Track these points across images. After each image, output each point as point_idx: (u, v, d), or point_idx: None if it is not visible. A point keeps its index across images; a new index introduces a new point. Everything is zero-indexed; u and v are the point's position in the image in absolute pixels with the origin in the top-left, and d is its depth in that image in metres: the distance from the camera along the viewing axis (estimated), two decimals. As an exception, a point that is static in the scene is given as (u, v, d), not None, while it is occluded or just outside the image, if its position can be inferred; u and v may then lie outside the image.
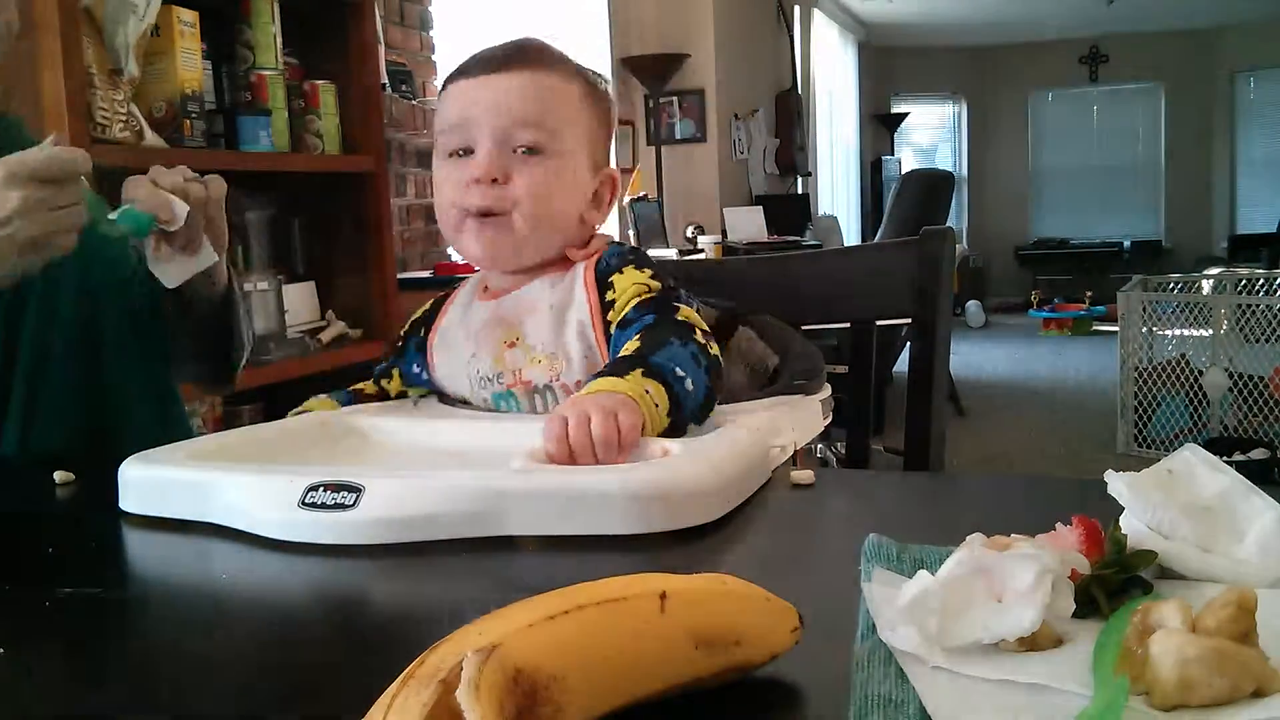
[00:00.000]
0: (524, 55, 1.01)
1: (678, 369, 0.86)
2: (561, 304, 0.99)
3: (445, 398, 1.07)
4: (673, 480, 0.71)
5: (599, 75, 1.06)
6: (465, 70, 1.02)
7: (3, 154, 0.96)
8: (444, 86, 1.04)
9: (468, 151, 0.99)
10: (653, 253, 1.17)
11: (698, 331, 0.92)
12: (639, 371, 0.84)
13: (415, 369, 1.09)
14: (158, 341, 1.23)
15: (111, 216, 1.00)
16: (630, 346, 0.90)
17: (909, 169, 8.45)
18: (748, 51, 6.35)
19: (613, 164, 1.09)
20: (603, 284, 0.99)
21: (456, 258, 3.74)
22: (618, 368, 0.86)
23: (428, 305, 1.12)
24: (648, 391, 0.83)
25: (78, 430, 1.16)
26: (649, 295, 0.96)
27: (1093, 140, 11.08)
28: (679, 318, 0.93)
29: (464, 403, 1.05)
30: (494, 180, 0.97)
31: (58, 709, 0.50)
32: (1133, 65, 10.64)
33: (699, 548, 0.68)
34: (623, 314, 0.96)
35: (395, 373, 1.11)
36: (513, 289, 1.03)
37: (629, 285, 0.97)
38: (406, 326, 1.12)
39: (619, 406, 0.78)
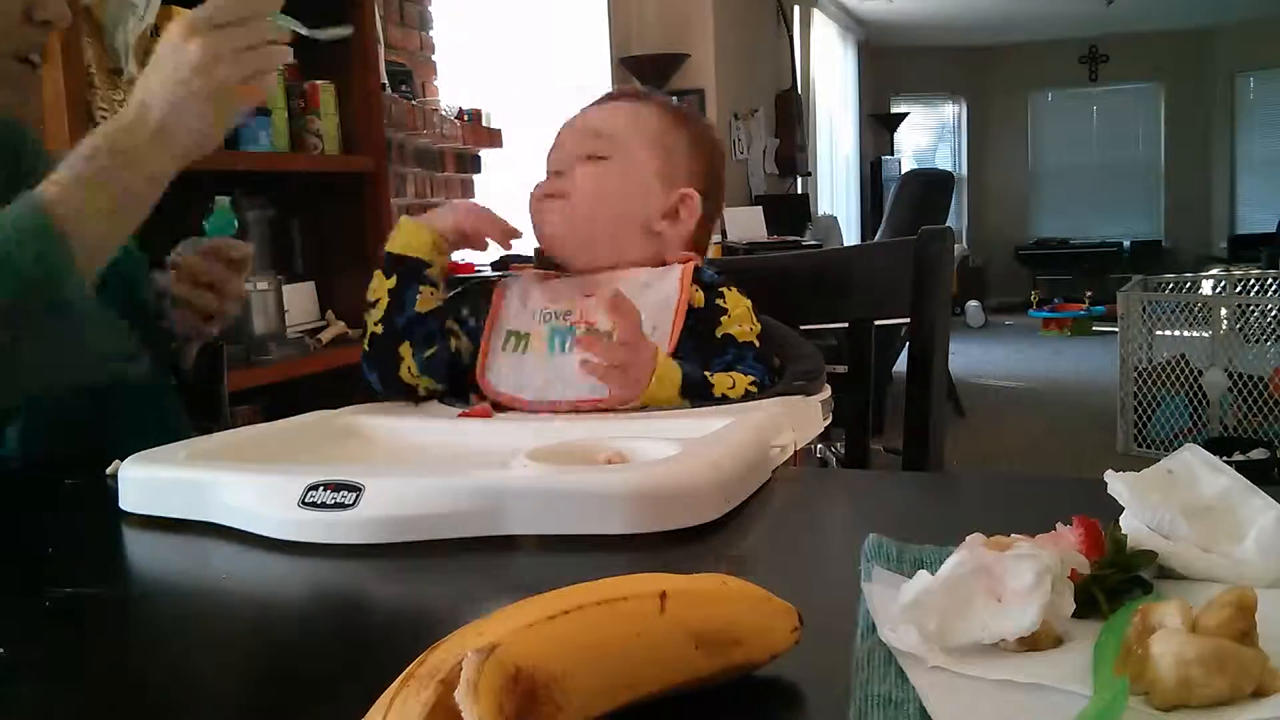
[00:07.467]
0: (614, 95, 1.20)
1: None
2: (652, 282, 1.08)
3: (445, 398, 1.07)
4: (673, 480, 0.71)
5: (697, 113, 1.20)
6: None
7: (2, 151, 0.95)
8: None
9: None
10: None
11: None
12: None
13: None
14: (160, 341, 1.23)
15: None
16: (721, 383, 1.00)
17: (909, 169, 8.45)
18: (747, 51, 6.35)
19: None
20: (705, 289, 1.07)
21: (457, 257, 3.73)
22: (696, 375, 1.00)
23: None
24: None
25: (78, 431, 1.16)
26: (757, 346, 1.07)
27: (1092, 140, 11.08)
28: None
29: (516, 336, 1.09)
30: (558, 173, 1.12)
31: (58, 709, 0.50)
32: (1132, 65, 10.64)
33: (699, 548, 0.68)
34: (732, 330, 1.06)
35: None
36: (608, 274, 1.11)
37: (742, 307, 1.08)
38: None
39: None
